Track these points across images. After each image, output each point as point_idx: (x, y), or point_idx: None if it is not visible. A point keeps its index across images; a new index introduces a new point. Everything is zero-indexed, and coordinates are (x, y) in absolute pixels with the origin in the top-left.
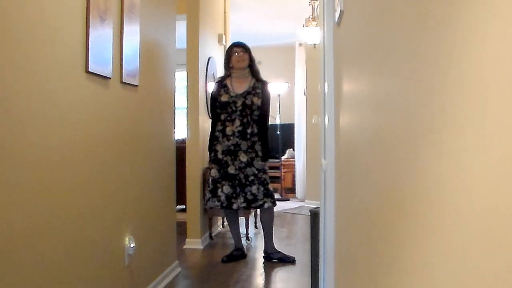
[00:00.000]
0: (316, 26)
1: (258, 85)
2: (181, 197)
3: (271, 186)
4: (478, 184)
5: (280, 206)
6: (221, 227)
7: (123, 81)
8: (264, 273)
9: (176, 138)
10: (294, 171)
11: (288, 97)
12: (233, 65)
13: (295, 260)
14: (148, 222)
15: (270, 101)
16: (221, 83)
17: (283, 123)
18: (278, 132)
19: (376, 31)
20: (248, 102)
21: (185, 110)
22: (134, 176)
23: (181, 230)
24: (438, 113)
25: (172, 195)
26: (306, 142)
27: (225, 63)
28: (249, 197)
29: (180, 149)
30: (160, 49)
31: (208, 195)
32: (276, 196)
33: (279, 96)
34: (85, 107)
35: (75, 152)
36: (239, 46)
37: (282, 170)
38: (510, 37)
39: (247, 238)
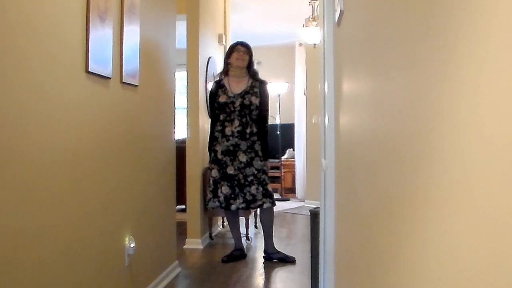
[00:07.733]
0: (316, 26)
1: (256, 85)
2: (181, 197)
3: (270, 187)
4: (479, 182)
5: (280, 206)
6: (221, 227)
7: (123, 81)
8: (264, 273)
9: (176, 138)
10: (294, 171)
11: (288, 97)
12: (231, 62)
13: (295, 260)
14: (148, 222)
15: (269, 101)
16: (219, 83)
17: (283, 123)
18: (278, 132)
19: (376, 31)
20: (246, 102)
21: (185, 110)
22: (134, 176)
23: (181, 230)
24: (438, 113)
25: (172, 195)
26: (306, 142)
27: (225, 58)
28: (248, 197)
29: (180, 149)
30: (160, 49)
31: (209, 195)
32: (276, 196)
33: (279, 96)
34: (85, 107)
35: (75, 152)
36: (243, 45)
37: (282, 170)
38: (510, 38)
39: (247, 238)
